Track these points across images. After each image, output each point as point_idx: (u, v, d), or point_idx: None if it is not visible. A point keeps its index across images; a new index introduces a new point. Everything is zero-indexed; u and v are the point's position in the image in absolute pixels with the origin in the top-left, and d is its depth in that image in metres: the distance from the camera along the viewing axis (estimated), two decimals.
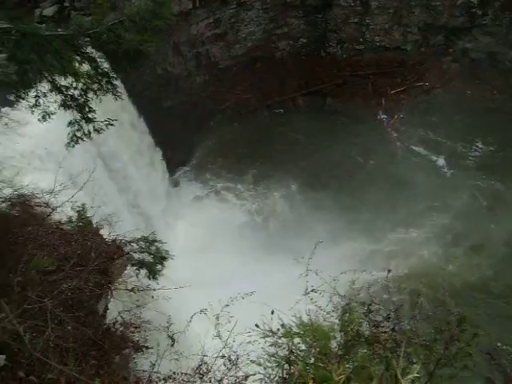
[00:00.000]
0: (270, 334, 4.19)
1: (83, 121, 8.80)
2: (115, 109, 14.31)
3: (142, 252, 10.76)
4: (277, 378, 3.94)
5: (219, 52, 33.24)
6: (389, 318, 4.33)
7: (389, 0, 34.11)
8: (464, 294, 22.40)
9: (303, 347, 4.20)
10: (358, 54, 35.65)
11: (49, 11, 23.41)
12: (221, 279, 17.99)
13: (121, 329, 8.66)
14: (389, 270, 5.40)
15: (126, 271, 10.54)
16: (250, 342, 4.70)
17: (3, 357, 6.41)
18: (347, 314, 4.18)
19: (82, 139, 9.00)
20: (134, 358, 8.34)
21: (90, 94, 8.62)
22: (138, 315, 8.89)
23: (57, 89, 8.34)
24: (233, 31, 33.26)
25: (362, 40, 35.47)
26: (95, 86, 8.58)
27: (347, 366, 3.68)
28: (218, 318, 5.57)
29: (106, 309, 9.72)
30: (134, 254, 10.72)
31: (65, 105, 8.62)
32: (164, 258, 10.68)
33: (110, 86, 8.70)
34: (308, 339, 4.17)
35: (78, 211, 10.95)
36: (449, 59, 35.33)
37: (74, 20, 8.15)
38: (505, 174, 29.07)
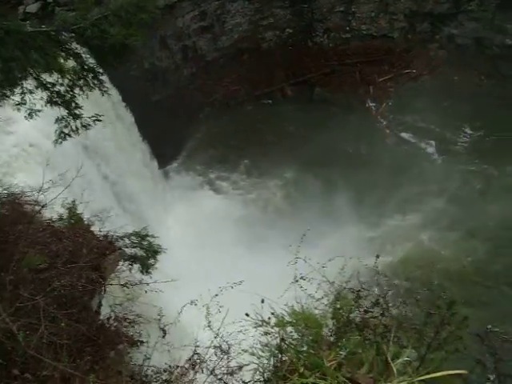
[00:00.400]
0: (263, 323, 4.22)
1: (70, 117, 8.76)
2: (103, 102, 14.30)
3: (134, 247, 10.76)
4: (270, 367, 3.97)
5: (206, 44, 33.17)
6: (378, 303, 4.37)
7: None
8: (459, 278, 22.71)
9: (296, 336, 4.23)
10: (344, 43, 35.67)
11: (32, 8, 23.22)
12: (214, 271, 18.02)
13: (115, 324, 8.67)
14: (377, 256, 5.41)
15: (118, 267, 10.54)
16: (240, 331, 4.74)
17: None
18: (338, 301, 4.22)
19: (69, 135, 8.97)
20: (128, 353, 8.36)
21: (77, 90, 8.58)
22: (131, 309, 8.91)
23: (43, 85, 8.29)
24: (219, 23, 33.19)
25: (349, 29, 35.49)
26: (81, 82, 8.54)
27: (339, 352, 3.72)
28: (208, 309, 5.61)
29: (100, 305, 9.73)
30: (126, 249, 10.71)
31: (51, 101, 8.57)
32: (157, 252, 10.69)
33: (96, 82, 8.65)
34: (300, 327, 4.20)
35: (68, 208, 10.93)
36: (435, 46, 35.41)
37: (57, 16, 8.10)
38: (495, 158, 29.21)
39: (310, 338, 4.09)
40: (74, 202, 11.04)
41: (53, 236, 9.95)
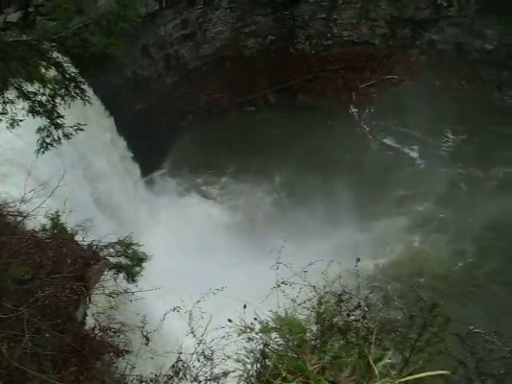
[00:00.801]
0: (247, 329, 4.23)
1: (52, 127, 8.72)
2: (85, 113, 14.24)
3: (119, 256, 10.70)
4: (253, 373, 3.98)
5: (188, 52, 33.23)
6: (359, 306, 4.41)
7: None
8: (447, 280, 22.95)
9: (281, 341, 4.25)
10: (326, 50, 35.94)
11: (13, 17, 22.99)
12: (199, 278, 17.97)
13: (100, 334, 8.60)
14: (358, 259, 5.44)
15: (103, 276, 10.47)
16: (223, 337, 4.75)
17: None
18: (322, 306, 4.24)
19: (51, 145, 8.92)
20: (114, 363, 8.30)
21: (58, 100, 8.54)
22: (115, 318, 8.85)
23: (24, 95, 8.26)
24: (201, 31, 33.26)
25: (330, 35, 35.76)
26: (63, 92, 8.51)
27: (323, 356, 3.74)
28: (190, 315, 5.60)
29: (85, 315, 9.66)
30: (110, 259, 10.65)
31: (33, 111, 8.53)
32: (142, 260, 10.63)
33: (78, 91, 8.63)
34: (285, 333, 4.21)
35: (51, 218, 10.84)
36: (416, 51, 35.77)
37: (38, 25, 8.09)
38: (479, 161, 29.64)
39: (295, 343, 4.11)
40: (57, 212, 10.97)
41: (36, 246, 9.86)
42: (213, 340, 5.34)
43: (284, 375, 3.59)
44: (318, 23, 35.32)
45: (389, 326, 4.26)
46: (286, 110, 33.34)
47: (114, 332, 8.77)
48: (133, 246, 10.71)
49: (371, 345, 3.81)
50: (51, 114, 8.59)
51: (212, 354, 5.40)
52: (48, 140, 8.87)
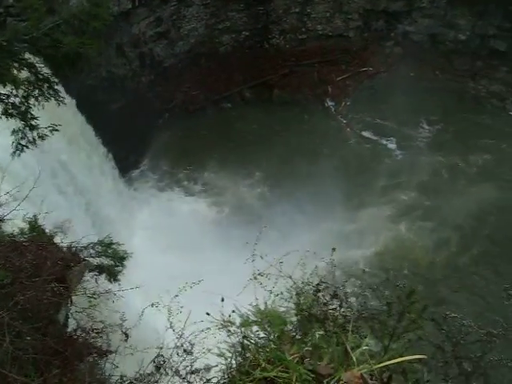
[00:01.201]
0: (228, 323, 4.26)
1: (27, 128, 8.64)
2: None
3: (99, 256, 10.64)
4: (234, 366, 4.01)
5: (163, 50, 33.08)
6: (336, 295, 4.46)
7: None
8: (429, 268, 23.45)
9: (262, 334, 4.28)
10: (301, 44, 36.00)
11: None
12: (180, 274, 17.97)
13: (82, 335, 8.56)
14: (333, 249, 5.48)
15: (84, 277, 10.41)
16: (202, 331, 4.77)
17: None
18: (301, 298, 4.28)
19: (26, 147, 8.84)
20: (98, 364, 8.27)
21: (32, 101, 8.47)
22: (96, 317, 8.82)
23: None
24: (175, 29, 33.13)
25: (305, 29, 35.81)
26: (36, 93, 8.43)
27: (303, 346, 3.78)
28: (169, 310, 5.62)
29: (68, 317, 9.60)
30: (91, 259, 10.59)
31: (6, 113, 8.45)
32: (123, 259, 10.58)
33: (51, 92, 8.56)
34: (266, 326, 4.24)
35: (29, 222, 10.75)
36: (391, 43, 36.01)
37: (9, 26, 8.01)
38: (456, 149, 30.09)
39: (276, 334, 4.14)
40: (35, 215, 10.87)
41: (15, 250, 9.77)
42: (191, 334, 5.36)
43: (263, 365, 3.63)
44: (291, 18, 35.35)
45: (366, 314, 4.31)
46: (263, 106, 33.35)
47: (96, 333, 8.74)
48: (113, 246, 10.67)
49: (349, 333, 3.87)
50: (25, 115, 8.51)
51: (192, 347, 5.43)
52: (23, 142, 8.80)
